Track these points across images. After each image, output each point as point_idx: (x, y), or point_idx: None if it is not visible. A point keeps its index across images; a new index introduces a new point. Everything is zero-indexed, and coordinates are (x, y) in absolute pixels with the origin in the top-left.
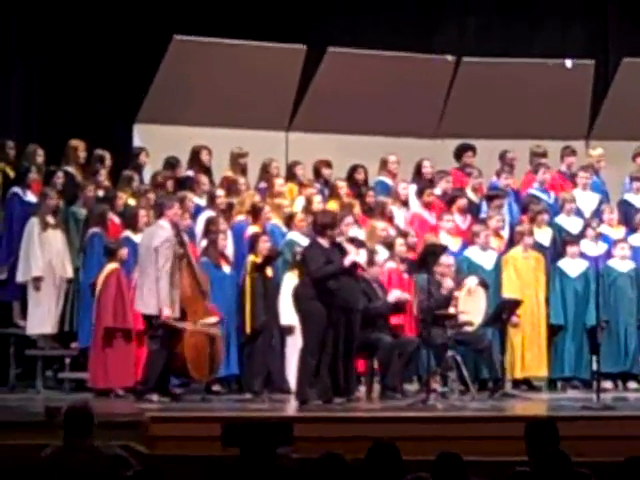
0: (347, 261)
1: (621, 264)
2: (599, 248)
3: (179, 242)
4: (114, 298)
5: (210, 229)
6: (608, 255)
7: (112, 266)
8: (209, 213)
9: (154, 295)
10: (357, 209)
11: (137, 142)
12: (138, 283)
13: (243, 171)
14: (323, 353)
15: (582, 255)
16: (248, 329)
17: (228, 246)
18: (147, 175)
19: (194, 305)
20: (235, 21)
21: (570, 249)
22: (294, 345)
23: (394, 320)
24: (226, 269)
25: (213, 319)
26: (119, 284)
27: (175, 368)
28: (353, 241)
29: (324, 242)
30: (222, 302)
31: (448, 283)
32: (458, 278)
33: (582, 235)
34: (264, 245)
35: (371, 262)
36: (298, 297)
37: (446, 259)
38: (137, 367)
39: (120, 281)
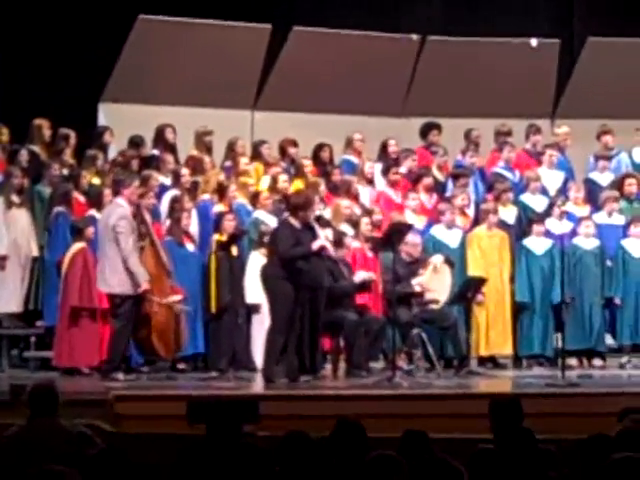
0: (315, 245)
1: (586, 242)
2: (564, 226)
3: (140, 221)
4: (80, 277)
5: (174, 207)
6: (573, 233)
7: (79, 245)
8: (174, 192)
9: (116, 274)
10: (322, 187)
11: (102, 121)
12: (99, 262)
13: (208, 150)
14: (290, 331)
15: (548, 233)
16: (213, 308)
17: (193, 225)
18: (113, 154)
19: (159, 284)
20: (200, 0)
21: (536, 227)
22: (260, 323)
23: (360, 299)
24: (190, 247)
25: (177, 297)
26: (86, 263)
27: (142, 345)
28: (319, 220)
29: (296, 223)
30: (186, 281)
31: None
32: (424, 256)
33: (548, 213)
34: (229, 224)
35: (339, 242)
36: (267, 276)
37: (412, 237)
38: (102, 346)
39: (87, 260)
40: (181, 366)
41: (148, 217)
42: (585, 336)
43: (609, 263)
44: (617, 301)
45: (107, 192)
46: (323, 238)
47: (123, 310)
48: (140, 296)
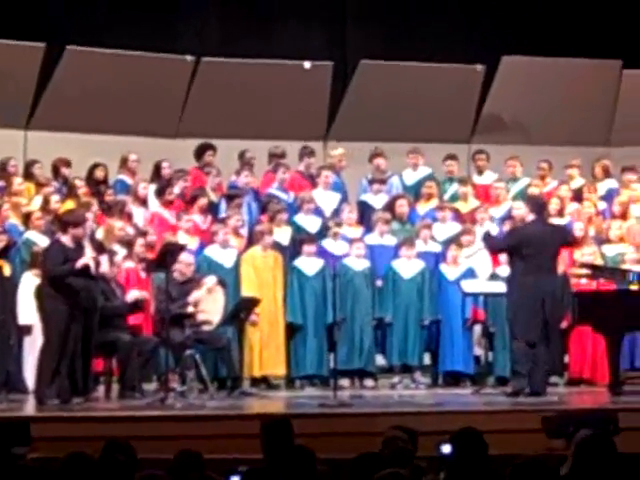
0: (79, 263)
1: (356, 263)
2: (340, 247)
3: None
4: None
5: None
6: (348, 254)
7: None
8: None
9: None
10: (95, 208)
11: None
12: None
13: None
14: (63, 353)
15: (321, 253)
16: None
17: None
18: None
19: None
20: None
21: (307, 248)
22: (31, 344)
23: (132, 319)
24: None
25: None
26: None
27: None
28: (92, 241)
29: (67, 241)
30: None
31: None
32: (197, 277)
33: (321, 234)
34: (0, 244)
35: (110, 262)
36: (40, 296)
37: (185, 257)
38: None
39: None
40: None
41: None
42: (356, 356)
43: (379, 283)
44: (387, 320)
45: None
46: (89, 257)
47: None
48: None
